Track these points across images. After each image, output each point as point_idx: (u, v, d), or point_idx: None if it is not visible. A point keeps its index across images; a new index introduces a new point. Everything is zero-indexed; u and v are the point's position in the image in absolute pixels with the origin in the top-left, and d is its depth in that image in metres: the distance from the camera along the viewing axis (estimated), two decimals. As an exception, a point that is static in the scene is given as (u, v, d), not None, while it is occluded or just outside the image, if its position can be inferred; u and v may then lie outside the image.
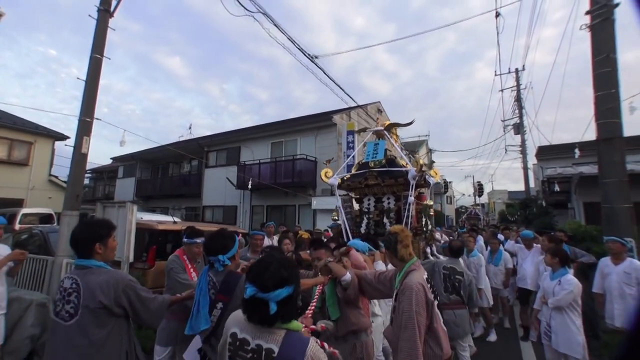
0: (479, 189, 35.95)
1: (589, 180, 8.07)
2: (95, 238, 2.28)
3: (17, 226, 14.14)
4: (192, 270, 3.69)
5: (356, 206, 6.64)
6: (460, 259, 5.51)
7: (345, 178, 6.59)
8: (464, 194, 48.44)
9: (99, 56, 6.91)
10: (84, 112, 6.69)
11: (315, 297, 2.92)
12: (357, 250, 3.87)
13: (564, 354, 4.11)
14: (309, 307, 2.62)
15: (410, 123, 7.89)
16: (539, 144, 25.36)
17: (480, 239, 8.41)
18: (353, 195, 6.68)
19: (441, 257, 5.88)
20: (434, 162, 31.54)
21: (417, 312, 2.49)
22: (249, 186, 15.40)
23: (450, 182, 41.59)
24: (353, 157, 10.82)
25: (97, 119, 6.97)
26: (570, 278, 4.18)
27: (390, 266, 3.69)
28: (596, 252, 6.44)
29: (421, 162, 5.69)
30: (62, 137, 20.28)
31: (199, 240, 3.72)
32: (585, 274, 6.11)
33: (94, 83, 6.86)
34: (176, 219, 8.82)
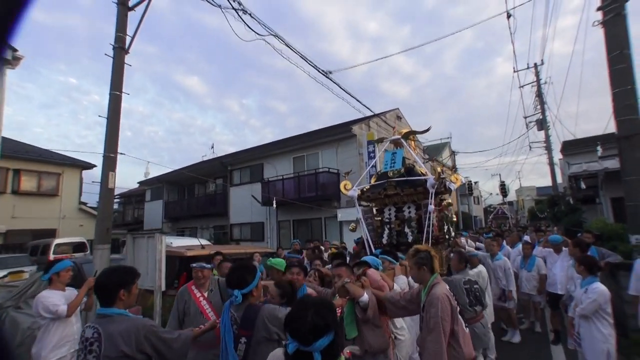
0: (502, 189, 35.32)
1: (615, 175, 7.99)
2: (121, 284, 2.29)
3: (51, 256, 14.53)
4: (201, 298, 3.63)
5: (378, 217, 6.61)
6: (481, 266, 5.71)
7: (365, 189, 6.60)
8: (491, 194, 47.71)
9: (118, 93, 7.24)
10: (108, 148, 7.01)
11: None
12: (371, 267, 3.86)
13: None
14: None
15: (427, 130, 7.95)
16: (564, 138, 24.92)
17: (505, 246, 8.30)
18: (373, 206, 6.68)
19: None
20: (456, 168, 31.28)
21: (442, 318, 2.69)
22: (274, 204, 15.64)
23: (476, 182, 41.09)
24: (374, 167, 10.95)
25: (121, 153, 7.27)
26: (596, 286, 4.13)
27: (410, 279, 3.84)
28: (622, 252, 6.37)
29: (439, 169, 5.72)
30: (89, 166, 20.97)
31: (205, 264, 3.76)
32: (613, 273, 6.07)
33: (115, 119, 7.19)
34: (203, 242, 9.04)
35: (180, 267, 6.80)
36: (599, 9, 6.87)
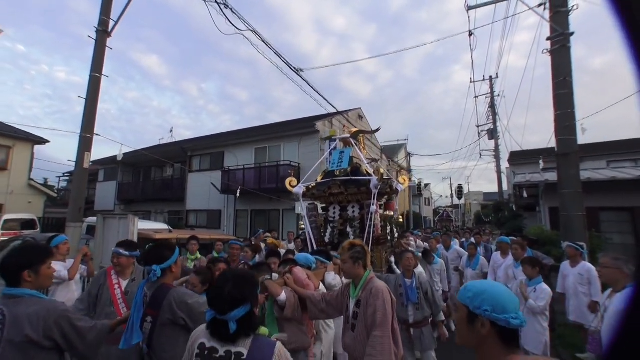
0: (459, 192, 36.89)
1: (554, 187, 8.83)
2: (23, 265, 2.10)
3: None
4: (116, 286, 3.41)
5: (322, 215, 6.60)
6: (420, 267, 5.68)
7: (310, 187, 6.52)
8: (441, 196, 49.67)
9: (98, 75, 7.37)
10: (85, 129, 7.13)
11: None
12: (302, 265, 3.82)
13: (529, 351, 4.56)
14: None
15: (377, 130, 8.38)
16: (512, 148, 26.43)
17: (456, 243, 8.90)
18: (319, 204, 6.65)
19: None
20: (411, 170, 32.33)
21: (388, 311, 2.70)
22: (238, 193, 15.77)
23: (428, 184, 42.60)
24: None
25: (97, 134, 7.39)
26: (545, 287, 4.56)
27: (343, 279, 3.76)
28: (555, 256, 7.21)
29: (382, 171, 5.78)
30: (42, 141, 20.18)
31: (122, 251, 3.50)
32: (546, 275, 6.84)
33: (93, 101, 7.31)
34: (162, 226, 9.17)
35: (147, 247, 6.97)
36: (548, 38, 7.63)
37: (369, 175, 5.89)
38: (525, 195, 12.91)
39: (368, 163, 6.52)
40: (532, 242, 7.92)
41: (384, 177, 5.82)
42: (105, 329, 2.34)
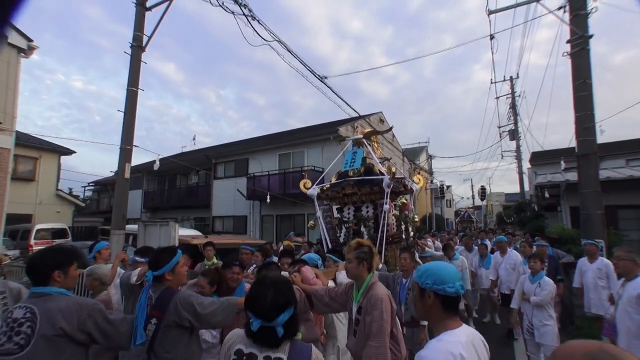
0: (482, 193, 36.80)
1: (575, 187, 9.04)
2: (54, 265, 2.17)
3: (32, 242, 14.73)
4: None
5: (337, 215, 6.54)
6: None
7: (325, 188, 6.54)
8: (462, 197, 49.51)
9: (134, 89, 7.86)
10: (124, 141, 7.64)
11: None
12: (308, 264, 3.90)
13: (541, 344, 4.81)
14: None
15: (389, 130, 8.56)
16: (533, 148, 26.39)
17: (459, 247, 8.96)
18: (334, 205, 6.63)
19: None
20: (432, 172, 32.40)
21: (386, 320, 2.67)
22: (268, 199, 16.20)
23: (449, 185, 42.56)
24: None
25: (135, 146, 7.89)
26: (547, 280, 4.86)
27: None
28: (575, 253, 7.48)
29: (393, 169, 5.70)
30: (68, 152, 20.78)
31: (139, 258, 3.76)
32: (567, 272, 7.12)
33: (131, 114, 7.83)
34: (196, 233, 9.52)
35: (186, 254, 7.39)
36: (568, 41, 7.87)
37: (382, 175, 5.86)
38: (546, 195, 13.06)
39: (380, 162, 6.54)
40: (554, 241, 8.18)
41: (396, 176, 5.76)
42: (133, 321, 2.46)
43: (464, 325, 1.74)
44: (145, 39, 8.29)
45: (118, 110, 8.09)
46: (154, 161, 10.99)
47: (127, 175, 7.65)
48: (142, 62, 8.21)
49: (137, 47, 8.04)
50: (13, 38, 9.29)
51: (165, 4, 8.32)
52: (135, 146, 7.92)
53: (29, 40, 9.56)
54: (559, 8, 8.36)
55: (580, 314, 6.50)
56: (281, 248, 8.56)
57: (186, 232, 10.00)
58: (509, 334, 6.63)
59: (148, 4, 8.31)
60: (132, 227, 8.83)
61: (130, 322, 2.41)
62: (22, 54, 9.54)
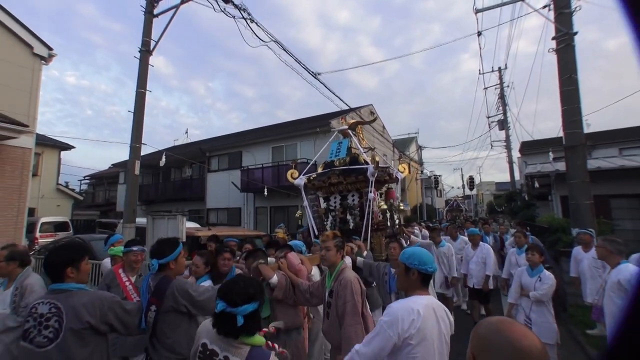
0: (471, 183, 37.20)
1: (564, 177, 9.26)
2: (67, 262, 2.28)
3: (37, 234, 15.05)
4: (127, 283, 3.72)
5: (324, 204, 6.71)
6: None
7: (311, 178, 6.64)
8: (452, 187, 49.98)
9: (143, 90, 8.17)
10: (134, 139, 7.98)
11: None
12: (293, 250, 4.07)
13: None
14: None
15: (373, 120, 8.72)
16: (523, 137, 26.73)
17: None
18: (321, 194, 6.74)
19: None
20: (422, 162, 32.69)
21: (358, 300, 2.90)
22: (265, 192, 16.44)
23: (439, 175, 42.96)
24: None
25: (144, 144, 8.16)
26: (548, 274, 4.64)
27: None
28: (565, 242, 7.73)
29: (377, 159, 5.82)
30: (67, 147, 21.13)
31: (135, 248, 3.89)
32: (557, 260, 7.37)
33: (140, 114, 8.17)
34: (195, 225, 9.67)
35: (191, 245, 7.43)
36: (553, 38, 8.10)
37: (367, 164, 5.96)
38: (536, 185, 13.32)
39: (364, 152, 6.66)
40: (543, 230, 8.42)
41: (380, 165, 5.87)
42: (141, 307, 2.61)
43: (430, 296, 2.28)
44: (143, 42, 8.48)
45: (128, 111, 8.51)
46: (153, 155, 11.18)
47: (137, 171, 7.98)
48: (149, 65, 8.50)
49: (145, 52, 8.34)
50: (37, 48, 9.83)
51: (171, 11, 8.64)
52: (144, 144, 8.23)
53: (50, 49, 10.21)
54: (544, 7, 8.61)
55: (573, 302, 6.74)
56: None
57: (188, 224, 10.17)
58: None
59: (155, 11, 8.58)
60: (141, 220, 9.00)
61: (139, 308, 2.57)
62: (43, 62, 10.16)
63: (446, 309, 2.29)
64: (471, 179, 37.36)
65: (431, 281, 5.49)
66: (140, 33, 8.29)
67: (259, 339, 1.87)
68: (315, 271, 4.15)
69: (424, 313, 2.09)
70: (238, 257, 4.97)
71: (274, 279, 3.26)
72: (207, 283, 3.65)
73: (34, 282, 3.33)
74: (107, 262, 4.70)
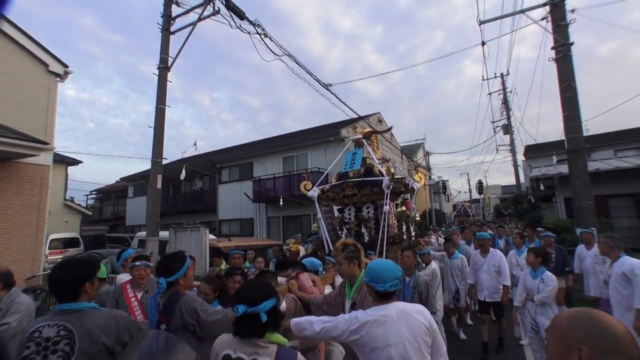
0: (479, 187, 37.37)
1: (567, 179, 9.60)
2: (84, 278, 2.17)
3: (46, 251, 14.60)
4: (133, 299, 3.64)
5: (338, 216, 6.48)
6: (434, 263, 5.83)
7: (325, 189, 6.46)
8: (460, 192, 50.18)
9: (162, 106, 8.54)
10: (155, 154, 8.30)
11: None
12: (308, 270, 3.85)
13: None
14: None
15: (389, 129, 8.94)
16: (526, 141, 27.10)
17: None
18: (335, 206, 6.57)
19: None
20: (430, 168, 33.02)
21: None
22: (281, 202, 16.64)
23: (447, 180, 43.21)
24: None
25: (165, 158, 8.51)
26: (550, 275, 4.69)
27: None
28: (570, 241, 8.18)
29: (392, 170, 5.57)
30: (75, 162, 20.86)
31: (138, 263, 3.80)
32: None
33: (161, 129, 8.46)
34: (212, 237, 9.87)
35: (213, 255, 7.50)
36: (552, 48, 8.61)
37: (382, 175, 5.78)
38: (542, 187, 13.75)
39: (379, 163, 6.49)
40: (550, 231, 8.81)
41: (395, 177, 5.70)
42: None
43: (395, 304, 2.28)
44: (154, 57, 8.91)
45: (149, 127, 8.70)
46: (184, 172, 11.61)
47: (159, 185, 8.18)
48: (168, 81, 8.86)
49: (164, 68, 8.67)
50: (52, 66, 9.99)
51: (188, 29, 9.04)
52: (165, 159, 8.55)
53: (65, 66, 10.28)
54: (542, 19, 9.11)
55: (578, 297, 7.14)
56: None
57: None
58: (485, 349, 5.78)
59: (172, 29, 8.97)
60: (163, 234, 8.96)
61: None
62: (59, 79, 10.22)
63: (420, 311, 2.28)
64: (480, 183, 37.56)
65: (440, 292, 5.70)
66: (142, 44, 9.16)
67: (282, 339, 1.89)
68: (327, 291, 3.83)
69: (371, 325, 2.17)
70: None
71: (283, 306, 2.93)
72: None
73: (22, 301, 3.30)
74: (121, 277, 4.60)
